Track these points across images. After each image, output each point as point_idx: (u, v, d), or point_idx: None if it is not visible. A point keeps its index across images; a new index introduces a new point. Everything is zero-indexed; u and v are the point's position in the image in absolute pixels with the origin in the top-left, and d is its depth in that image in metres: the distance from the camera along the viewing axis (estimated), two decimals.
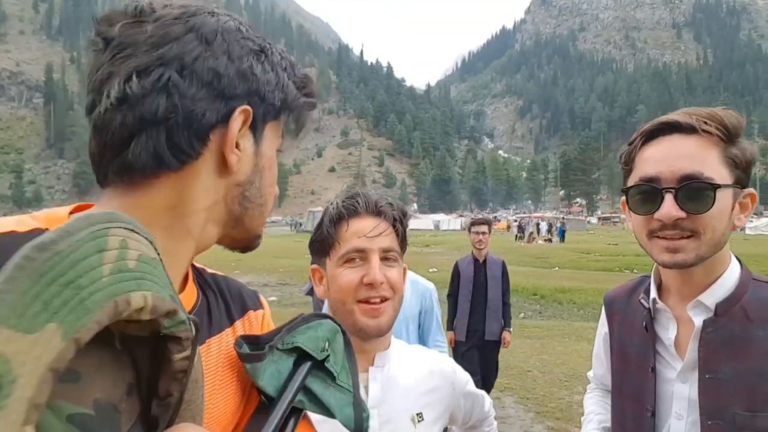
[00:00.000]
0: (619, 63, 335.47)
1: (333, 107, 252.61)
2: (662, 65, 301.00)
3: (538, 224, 53.46)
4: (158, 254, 0.56)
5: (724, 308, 1.24)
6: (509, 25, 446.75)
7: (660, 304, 1.35)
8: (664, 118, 1.27)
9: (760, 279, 1.29)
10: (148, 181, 0.68)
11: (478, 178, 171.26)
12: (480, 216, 6.47)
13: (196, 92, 0.68)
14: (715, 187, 1.18)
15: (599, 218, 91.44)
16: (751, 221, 63.44)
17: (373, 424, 1.27)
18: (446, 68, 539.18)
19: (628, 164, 1.34)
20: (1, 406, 0.39)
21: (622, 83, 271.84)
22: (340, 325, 0.91)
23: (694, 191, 1.19)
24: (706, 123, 1.20)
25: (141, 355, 0.55)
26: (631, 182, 1.30)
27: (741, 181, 1.23)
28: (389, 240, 1.33)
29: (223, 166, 0.72)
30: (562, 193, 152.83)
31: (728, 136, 1.21)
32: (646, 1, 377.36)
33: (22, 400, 0.40)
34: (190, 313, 0.74)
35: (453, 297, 5.98)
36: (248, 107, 0.73)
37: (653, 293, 1.38)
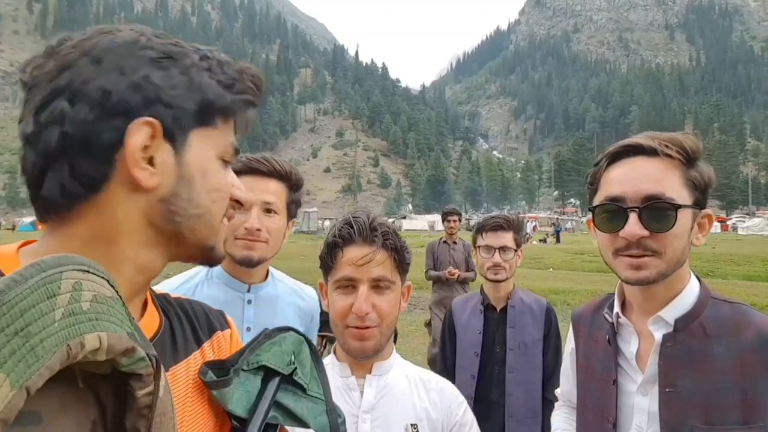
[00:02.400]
0: (612, 64, 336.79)
1: (328, 108, 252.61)
2: (655, 66, 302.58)
3: (535, 226, 53.78)
4: (117, 291, 0.56)
5: (683, 324, 1.30)
6: (503, 26, 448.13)
7: (623, 319, 1.42)
8: (627, 141, 1.34)
9: (718, 297, 1.34)
10: (70, 214, 0.68)
11: (472, 179, 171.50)
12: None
13: (86, 115, 0.65)
14: (677, 207, 1.24)
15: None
16: (743, 221, 63.96)
17: (365, 427, 1.34)
18: (441, 69, 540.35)
19: (594, 184, 1.40)
20: None
21: (615, 84, 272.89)
22: (304, 336, 0.91)
23: (657, 211, 1.25)
24: (667, 146, 1.26)
25: (104, 392, 0.54)
26: (596, 201, 1.36)
27: (699, 202, 1.30)
28: (381, 269, 1.35)
29: (137, 184, 0.69)
30: (556, 193, 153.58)
31: (688, 159, 1.28)
32: (639, 3, 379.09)
33: None
34: (152, 338, 0.77)
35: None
36: (151, 119, 0.69)
37: (617, 308, 1.44)
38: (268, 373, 0.83)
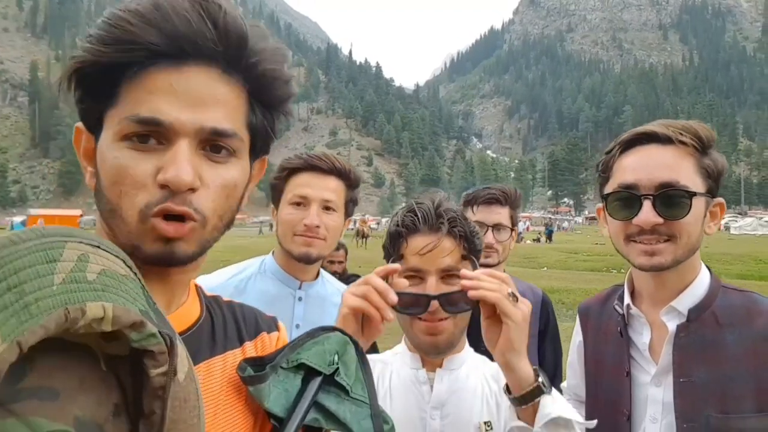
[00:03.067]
0: (606, 64, 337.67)
1: (322, 107, 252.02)
2: (649, 66, 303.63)
3: (528, 225, 53.80)
4: (135, 273, 0.56)
5: (695, 314, 1.30)
6: (497, 26, 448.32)
7: (634, 310, 1.40)
8: (641, 129, 1.33)
9: (728, 286, 1.35)
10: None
11: (466, 178, 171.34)
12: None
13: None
14: (691, 194, 1.24)
15: (586, 218, 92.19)
16: (736, 221, 64.23)
17: (435, 425, 1.26)
18: (435, 68, 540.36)
19: (606, 172, 1.39)
20: None
21: (609, 84, 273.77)
22: (350, 336, 0.88)
23: (671, 198, 1.24)
24: (681, 134, 1.26)
25: (124, 374, 0.54)
26: (609, 189, 1.35)
27: (712, 191, 1.30)
28: (449, 259, 1.25)
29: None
30: (549, 193, 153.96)
31: (702, 147, 1.28)
32: (633, 3, 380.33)
33: None
34: (189, 328, 0.78)
35: None
36: (78, 124, 0.71)
37: (627, 299, 1.42)
38: (309, 373, 0.81)
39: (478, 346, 1.83)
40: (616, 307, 1.46)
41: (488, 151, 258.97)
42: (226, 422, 0.76)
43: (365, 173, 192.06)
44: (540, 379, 1.11)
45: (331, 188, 1.82)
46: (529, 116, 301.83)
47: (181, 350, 0.57)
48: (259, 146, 0.82)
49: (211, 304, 0.87)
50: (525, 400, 1.10)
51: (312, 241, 1.77)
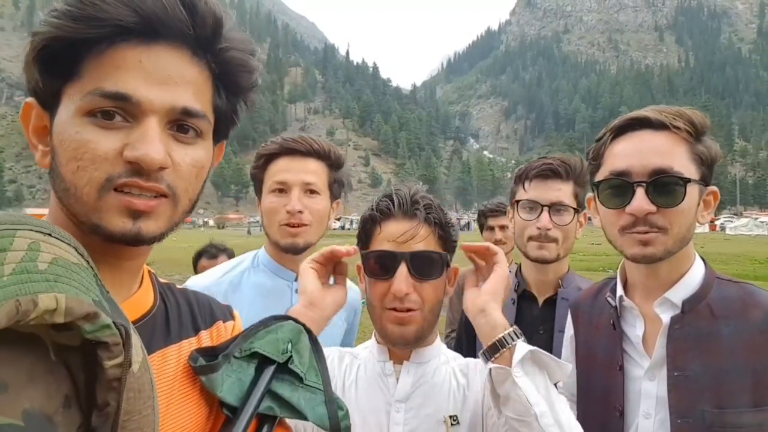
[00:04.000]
0: (602, 65, 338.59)
1: (319, 107, 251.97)
2: (644, 67, 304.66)
3: None
4: (87, 261, 0.55)
5: (690, 305, 1.26)
6: (494, 27, 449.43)
7: (627, 302, 1.36)
8: (633, 114, 1.29)
9: (723, 278, 1.31)
10: None
11: (463, 179, 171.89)
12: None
13: None
14: (686, 181, 1.20)
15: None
16: (732, 221, 64.52)
17: (398, 417, 1.24)
18: (432, 69, 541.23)
19: (597, 159, 1.35)
20: None
21: (605, 85, 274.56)
22: (304, 325, 0.88)
23: (665, 185, 1.20)
24: (675, 119, 1.22)
25: (75, 365, 0.52)
26: (600, 177, 1.31)
27: (705, 178, 1.26)
28: (423, 245, 1.22)
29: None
30: None
31: (696, 134, 1.24)
32: (629, 4, 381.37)
33: None
34: (142, 316, 0.76)
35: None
36: (29, 99, 0.70)
37: (620, 291, 1.38)
38: (262, 362, 0.81)
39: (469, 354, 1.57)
40: (609, 299, 1.42)
41: (485, 152, 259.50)
42: (180, 412, 0.75)
43: (362, 173, 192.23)
44: (514, 327, 1.14)
45: (311, 170, 1.75)
46: (526, 117, 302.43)
47: (136, 340, 0.55)
48: (222, 130, 0.81)
49: (165, 292, 0.85)
50: (501, 344, 1.11)
51: (297, 231, 1.69)
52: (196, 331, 0.85)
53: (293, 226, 1.70)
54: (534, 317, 1.88)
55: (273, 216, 1.74)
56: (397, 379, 1.29)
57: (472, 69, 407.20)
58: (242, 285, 1.79)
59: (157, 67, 0.67)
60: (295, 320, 0.88)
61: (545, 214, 1.80)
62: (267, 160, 1.79)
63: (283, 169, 1.76)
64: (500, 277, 1.22)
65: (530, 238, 1.83)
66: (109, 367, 0.51)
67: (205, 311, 0.89)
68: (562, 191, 1.82)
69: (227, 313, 0.93)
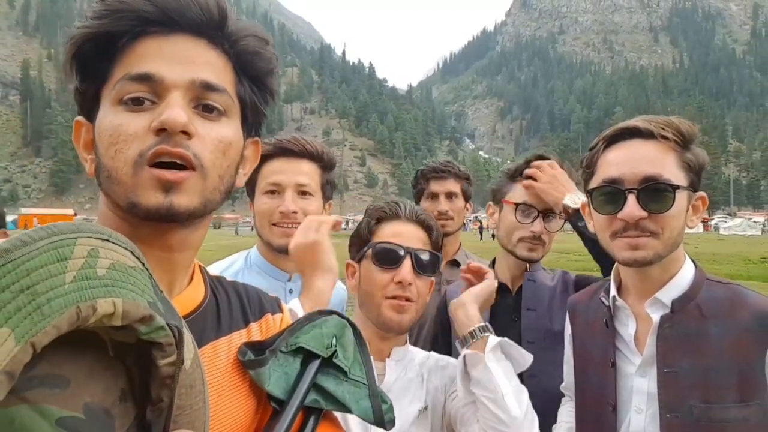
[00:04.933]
0: (597, 65, 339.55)
1: (315, 107, 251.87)
2: (639, 68, 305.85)
3: None
4: (142, 263, 0.57)
5: (679, 305, 1.32)
6: (490, 27, 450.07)
7: (619, 302, 1.43)
8: (624, 124, 1.37)
9: (712, 279, 1.37)
10: None
11: None
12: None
13: None
14: (674, 188, 1.27)
15: None
16: (725, 221, 64.99)
17: None
18: (428, 69, 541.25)
19: (590, 167, 1.42)
20: None
21: (600, 85, 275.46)
22: (348, 319, 0.91)
23: (655, 192, 1.27)
24: (663, 129, 1.29)
25: (131, 361, 0.55)
26: (594, 184, 1.38)
27: (694, 185, 1.33)
28: (422, 246, 1.43)
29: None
30: None
31: (684, 142, 1.31)
32: (624, 5, 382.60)
33: None
34: (194, 311, 0.80)
35: None
36: (78, 117, 0.76)
37: (613, 291, 1.46)
38: (308, 356, 0.83)
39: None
40: (602, 299, 1.49)
41: (481, 152, 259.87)
42: (230, 403, 0.78)
43: (358, 173, 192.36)
44: (486, 323, 1.44)
45: (304, 172, 1.77)
46: (521, 117, 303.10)
47: (188, 337, 0.58)
48: (250, 120, 0.83)
49: (216, 285, 0.88)
50: (475, 334, 1.40)
51: (291, 231, 1.65)
52: (246, 323, 0.87)
53: (287, 227, 1.71)
54: (509, 306, 1.95)
55: (266, 216, 1.75)
56: (383, 376, 1.40)
57: (468, 69, 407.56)
58: None
59: (176, 51, 0.73)
60: (340, 315, 0.90)
61: (540, 220, 1.88)
62: (261, 160, 1.93)
63: (276, 171, 1.76)
64: (487, 287, 1.53)
65: (521, 239, 1.89)
66: (162, 365, 0.54)
67: (255, 304, 0.92)
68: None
69: (275, 306, 0.96)
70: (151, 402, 0.56)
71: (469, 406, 1.40)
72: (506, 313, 1.92)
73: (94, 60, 0.72)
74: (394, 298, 1.37)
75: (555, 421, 1.71)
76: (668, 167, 1.29)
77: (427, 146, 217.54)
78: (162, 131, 0.69)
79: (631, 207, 1.27)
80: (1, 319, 0.45)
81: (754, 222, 61.95)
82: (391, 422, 0.87)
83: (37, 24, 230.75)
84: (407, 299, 1.37)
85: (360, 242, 1.47)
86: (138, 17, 0.70)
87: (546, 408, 1.62)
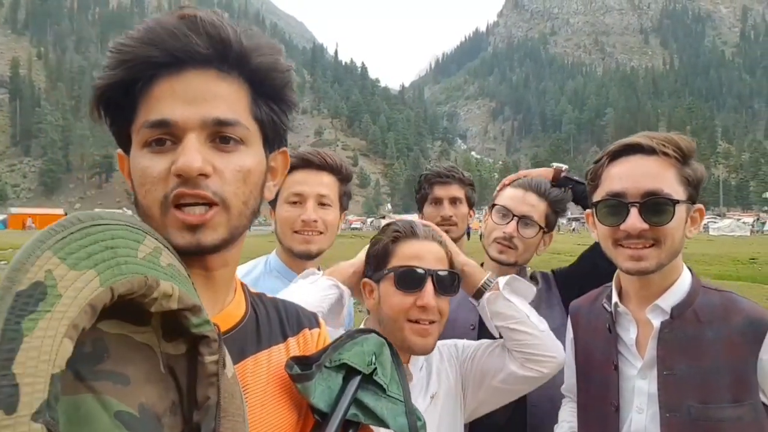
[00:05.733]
0: (588, 67, 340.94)
1: (307, 107, 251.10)
2: (630, 70, 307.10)
3: None
4: (189, 278, 0.68)
5: (678, 311, 1.42)
6: (482, 28, 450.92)
7: (621, 308, 1.52)
8: (627, 141, 1.46)
9: (708, 286, 1.48)
10: None
11: None
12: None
13: None
14: (674, 202, 1.36)
15: (568, 219, 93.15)
16: (715, 222, 65.52)
17: None
18: (420, 69, 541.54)
19: (595, 180, 1.51)
20: (46, 309, 0.51)
21: (591, 87, 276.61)
22: (385, 339, 0.97)
23: (656, 206, 1.36)
24: (664, 145, 1.38)
25: (180, 371, 0.64)
26: (598, 197, 1.48)
27: (692, 198, 1.42)
28: (442, 265, 1.46)
29: None
30: None
31: (683, 157, 1.40)
32: (615, 7, 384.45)
33: (65, 317, 0.52)
34: (236, 325, 0.85)
35: None
36: (119, 151, 0.84)
37: (615, 298, 1.55)
38: (349, 372, 0.88)
39: None
40: (605, 305, 1.57)
41: (473, 153, 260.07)
42: (273, 412, 0.83)
43: None
44: (491, 273, 1.63)
45: (325, 183, 1.87)
46: (513, 118, 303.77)
47: (226, 351, 0.66)
48: (271, 138, 0.86)
49: (256, 302, 0.94)
50: (488, 283, 1.57)
51: (311, 238, 1.81)
52: (285, 337, 0.93)
53: (308, 234, 1.83)
54: None
55: (289, 224, 1.85)
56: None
57: (460, 70, 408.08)
58: (258, 290, 2.13)
59: (187, 90, 0.75)
60: (378, 333, 0.97)
61: (513, 223, 1.99)
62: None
63: (299, 182, 1.87)
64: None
65: (494, 240, 2.02)
66: (208, 362, 0.63)
67: (293, 319, 0.97)
68: (535, 207, 2.00)
69: (313, 321, 1.02)
70: (197, 404, 0.63)
71: (497, 350, 1.57)
72: None
73: (117, 105, 0.77)
74: (416, 322, 1.39)
75: (554, 422, 1.78)
76: (668, 182, 1.37)
77: (419, 146, 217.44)
78: (180, 175, 0.73)
79: (634, 219, 1.36)
80: (91, 263, 0.55)
81: (743, 223, 62.65)
82: None
83: (27, 22, 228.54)
84: (431, 321, 1.40)
85: (377, 262, 1.48)
86: (147, 62, 0.74)
87: (545, 409, 1.80)
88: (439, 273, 1.42)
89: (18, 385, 0.48)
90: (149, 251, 0.62)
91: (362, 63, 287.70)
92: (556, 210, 2.05)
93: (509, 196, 2.03)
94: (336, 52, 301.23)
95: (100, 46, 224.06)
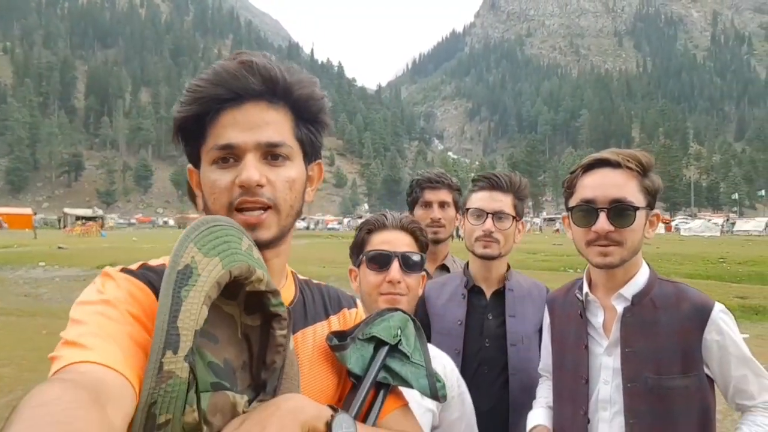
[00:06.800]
0: (563, 68, 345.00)
1: None
2: (604, 72, 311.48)
3: None
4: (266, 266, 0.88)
5: (638, 299, 1.67)
6: (459, 29, 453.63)
7: (591, 297, 1.77)
8: (597, 156, 1.71)
9: (663, 278, 1.74)
10: None
11: None
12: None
13: None
14: (636, 208, 1.61)
15: (544, 219, 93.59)
16: (686, 223, 66.27)
17: None
18: (397, 69, 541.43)
19: (570, 188, 1.76)
20: (193, 284, 0.74)
21: (566, 88, 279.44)
22: (410, 315, 1.14)
23: (621, 211, 1.62)
24: (628, 161, 1.64)
25: (254, 339, 0.85)
26: (573, 203, 1.72)
27: (651, 204, 1.68)
28: (408, 248, 1.68)
29: None
30: None
31: (643, 171, 1.66)
32: (590, 10, 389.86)
33: (203, 290, 0.74)
34: (288, 305, 0.97)
35: None
36: (189, 166, 1.05)
37: (585, 288, 1.79)
38: (378, 343, 1.05)
39: None
40: (577, 294, 1.81)
41: (449, 153, 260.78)
42: (318, 377, 1.03)
43: (327, 173, 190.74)
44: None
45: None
46: (490, 118, 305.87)
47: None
48: (309, 153, 1.06)
49: (303, 286, 1.13)
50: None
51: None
52: (327, 316, 1.12)
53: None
54: (483, 307, 2.21)
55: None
56: None
57: (437, 70, 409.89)
58: None
59: (246, 119, 0.95)
60: (403, 311, 1.13)
61: (489, 220, 2.17)
62: None
63: None
64: None
65: (477, 239, 2.19)
66: (278, 335, 0.83)
67: (334, 301, 1.16)
68: (503, 202, 2.20)
69: (351, 302, 1.20)
70: (266, 366, 0.83)
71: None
72: (480, 313, 2.19)
73: (191, 131, 0.98)
74: (388, 294, 1.63)
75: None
76: (631, 191, 1.63)
77: (396, 146, 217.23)
78: (243, 186, 0.94)
79: (602, 222, 1.61)
80: (215, 252, 0.77)
81: (714, 224, 63.31)
82: (444, 397, 1.08)
83: None
84: (398, 294, 1.63)
85: (357, 251, 1.75)
86: (215, 99, 0.94)
87: (525, 398, 2.01)
88: (405, 254, 1.65)
89: (179, 335, 0.71)
90: (247, 245, 0.83)
91: (339, 62, 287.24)
92: (520, 198, 2.26)
93: (479, 198, 2.24)
94: (312, 51, 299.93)
95: (69, 42, 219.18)
